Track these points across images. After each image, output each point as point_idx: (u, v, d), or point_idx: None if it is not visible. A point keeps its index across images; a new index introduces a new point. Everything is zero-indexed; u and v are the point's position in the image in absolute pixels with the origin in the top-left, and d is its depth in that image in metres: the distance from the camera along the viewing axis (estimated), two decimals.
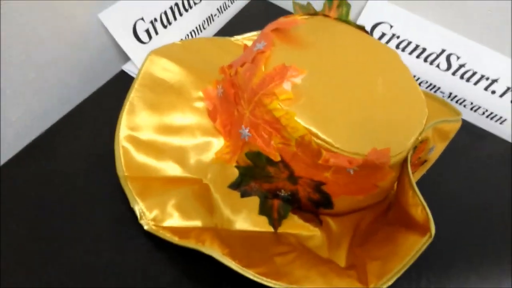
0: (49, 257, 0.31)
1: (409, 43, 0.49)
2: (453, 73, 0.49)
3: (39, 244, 0.31)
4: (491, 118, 0.50)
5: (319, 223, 0.34)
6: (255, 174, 0.33)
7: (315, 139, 0.27)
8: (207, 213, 0.33)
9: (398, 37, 0.49)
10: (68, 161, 0.36)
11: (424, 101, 0.33)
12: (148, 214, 0.32)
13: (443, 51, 0.48)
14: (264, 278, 0.28)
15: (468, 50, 0.47)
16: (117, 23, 0.40)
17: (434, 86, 0.50)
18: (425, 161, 0.37)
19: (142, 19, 0.42)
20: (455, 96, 0.50)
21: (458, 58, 0.48)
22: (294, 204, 0.33)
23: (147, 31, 0.42)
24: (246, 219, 0.33)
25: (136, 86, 0.37)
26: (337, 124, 0.28)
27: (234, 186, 0.34)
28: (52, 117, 0.38)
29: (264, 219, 0.33)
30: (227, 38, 0.45)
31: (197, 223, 0.33)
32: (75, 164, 0.36)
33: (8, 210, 0.32)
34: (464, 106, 0.50)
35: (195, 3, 0.47)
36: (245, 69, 0.31)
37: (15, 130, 0.36)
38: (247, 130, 0.31)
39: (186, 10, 0.46)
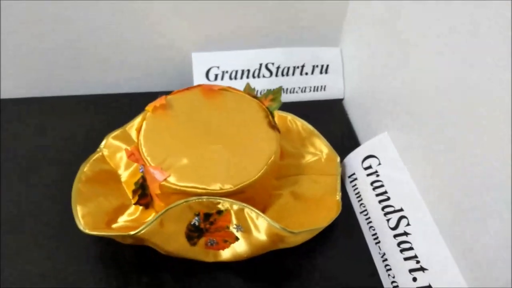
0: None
1: (381, 185, 0.48)
2: (395, 236, 0.44)
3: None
4: None
5: (145, 207, 0.46)
6: None
7: (139, 136, 0.43)
8: None
9: (378, 175, 0.49)
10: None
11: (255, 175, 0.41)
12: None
13: (401, 209, 0.45)
14: None
15: (420, 224, 0.42)
16: (200, 63, 0.64)
17: (377, 238, 0.46)
18: (237, 238, 0.41)
19: (218, 67, 0.64)
20: (386, 260, 0.44)
21: (408, 224, 0.43)
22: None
23: (216, 75, 0.64)
24: None
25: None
26: (168, 145, 0.42)
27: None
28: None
29: None
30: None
31: None
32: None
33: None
34: (389, 275, 0.43)
35: (264, 76, 0.65)
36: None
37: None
38: None
39: (254, 77, 0.65)
